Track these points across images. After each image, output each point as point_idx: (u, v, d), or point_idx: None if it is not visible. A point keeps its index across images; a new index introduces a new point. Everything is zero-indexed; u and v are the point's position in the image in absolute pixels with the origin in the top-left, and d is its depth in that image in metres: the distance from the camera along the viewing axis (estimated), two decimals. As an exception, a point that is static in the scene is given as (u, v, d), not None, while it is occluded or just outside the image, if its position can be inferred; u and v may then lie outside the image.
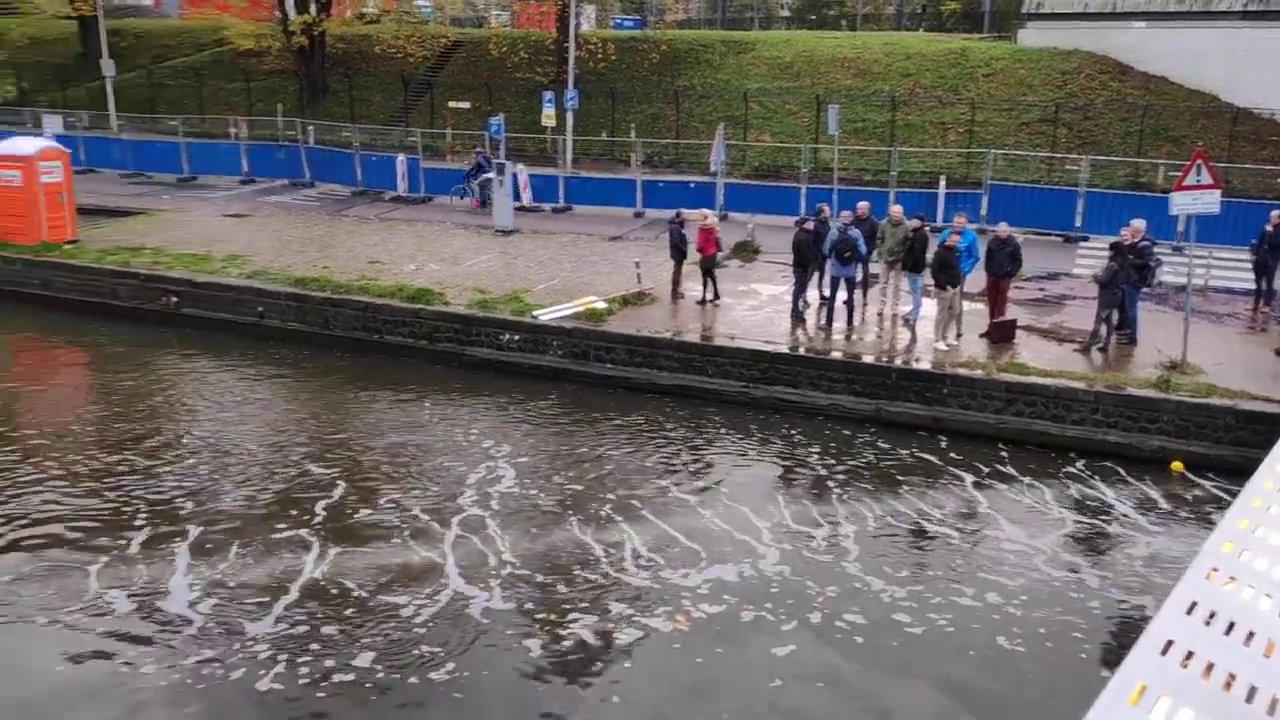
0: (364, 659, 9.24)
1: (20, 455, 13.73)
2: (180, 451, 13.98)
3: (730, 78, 37.25)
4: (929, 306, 16.84)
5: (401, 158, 29.49)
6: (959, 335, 16.27)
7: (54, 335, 19.92)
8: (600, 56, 37.64)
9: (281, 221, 25.75)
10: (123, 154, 33.41)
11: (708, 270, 18.22)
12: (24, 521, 11.79)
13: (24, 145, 22.76)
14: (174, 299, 19.54)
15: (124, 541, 11.32)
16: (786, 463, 13.92)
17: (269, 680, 8.96)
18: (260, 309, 18.86)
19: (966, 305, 16.87)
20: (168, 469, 13.35)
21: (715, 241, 18.24)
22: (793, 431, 14.83)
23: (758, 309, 18.05)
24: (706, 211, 19.07)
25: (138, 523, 11.79)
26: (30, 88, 45.03)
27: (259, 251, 21.60)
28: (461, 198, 28.61)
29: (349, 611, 10.01)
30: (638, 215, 26.74)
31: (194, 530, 11.61)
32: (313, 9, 39.04)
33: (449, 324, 17.64)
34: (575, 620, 9.96)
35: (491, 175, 26.25)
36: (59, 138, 29.17)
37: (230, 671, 9.05)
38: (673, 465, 13.72)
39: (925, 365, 15.20)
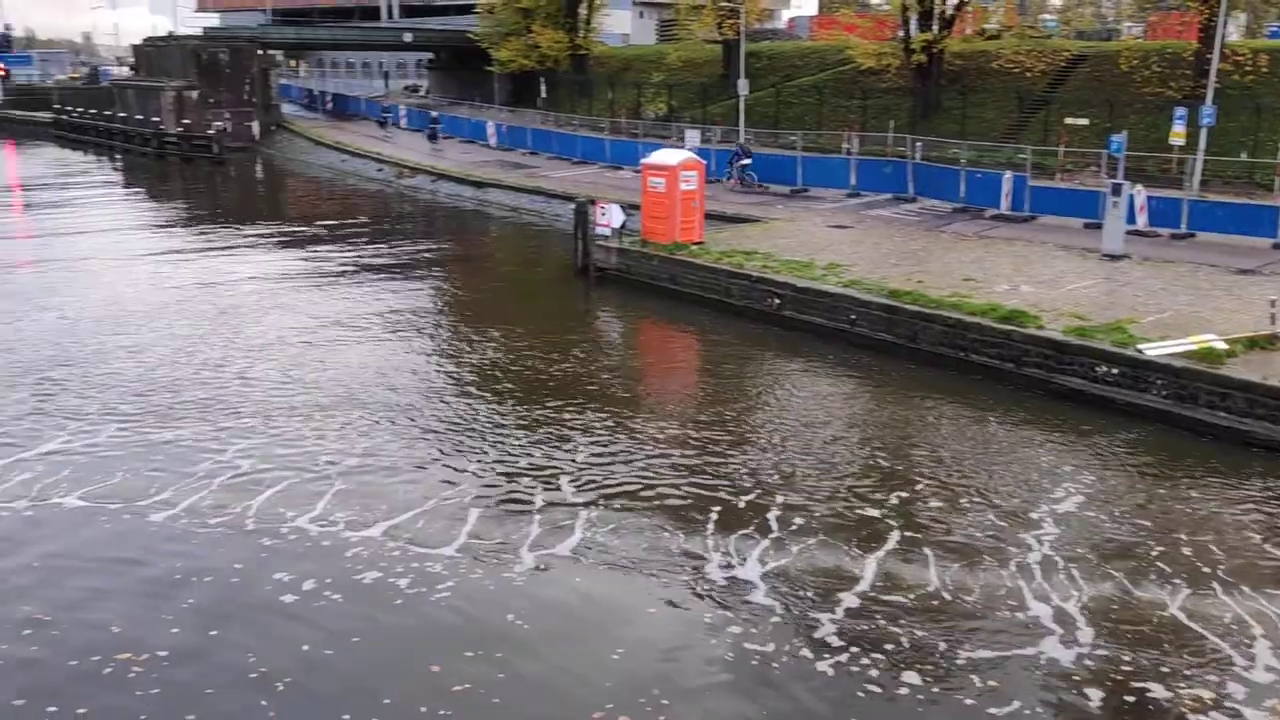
0: (912, 676, 9.29)
1: (633, 419, 15.78)
2: (767, 436, 15.12)
3: None
4: None
5: (1008, 175, 28.83)
6: None
7: (675, 323, 22.59)
8: (1249, 68, 33.47)
9: (880, 235, 26.53)
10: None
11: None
12: (627, 480, 13.54)
13: (669, 156, 25.94)
14: (777, 301, 21.09)
15: (711, 511, 12.53)
16: None
17: (827, 664, 9.41)
18: (853, 316, 19.66)
19: None
20: (756, 449, 14.51)
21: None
22: None
23: None
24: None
25: (724, 495, 12.97)
26: (678, 105, 51.09)
27: (856, 262, 22.49)
28: (727, 179, 34.54)
29: (905, 618, 10.13)
30: (1278, 247, 23.43)
31: (775, 510, 12.50)
32: (935, 27, 39.59)
33: (1040, 349, 16.95)
34: (1147, 684, 9.11)
35: (747, 161, 34.51)
36: (696, 150, 32.83)
37: (797, 648, 9.65)
38: (1291, 537, 11.92)
39: None
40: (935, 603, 10.48)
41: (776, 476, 13.67)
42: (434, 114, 54.71)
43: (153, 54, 62.78)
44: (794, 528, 12.10)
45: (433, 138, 52.17)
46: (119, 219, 38.18)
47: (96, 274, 26.96)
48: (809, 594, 10.65)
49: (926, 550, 11.56)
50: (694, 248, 24.37)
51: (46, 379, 17.40)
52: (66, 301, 23.35)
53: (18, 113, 77.33)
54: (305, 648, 9.70)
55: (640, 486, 13.35)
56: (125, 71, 77.81)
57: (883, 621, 10.11)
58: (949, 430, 15.51)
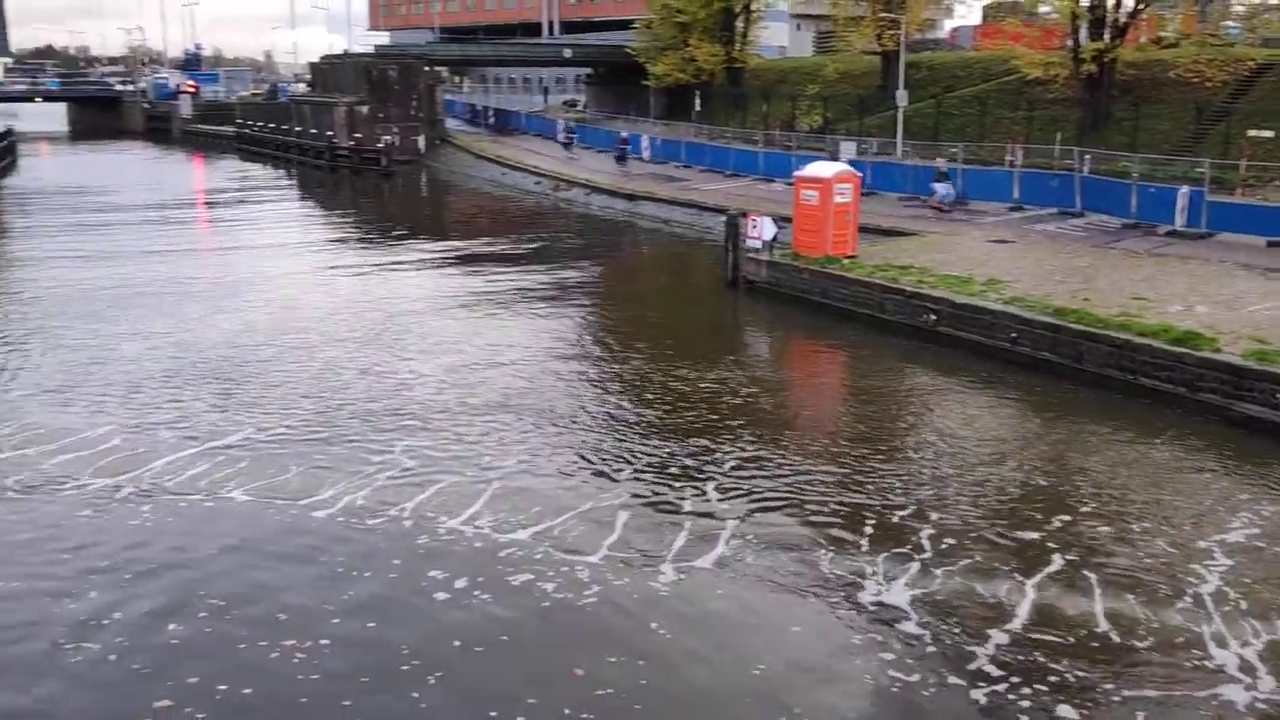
0: (1068, 710, 8.88)
1: (781, 434, 15.66)
2: (920, 454, 14.79)
3: None
4: None
5: (1184, 190, 27.39)
6: None
7: (825, 338, 22.31)
8: None
9: (1044, 250, 25.60)
10: (903, 178, 35.96)
11: None
12: (774, 494, 13.43)
13: (823, 169, 25.70)
14: (932, 317, 20.58)
15: (859, 530, 12.31)
16: None
17: (980, 693, 9.12)
18: (1013, 335, 19.01)
19: None
20: (908, 468, 14.21)
21: None
22: None
23: None
24: None
25: (874, 513, 12.72)
26: (833, 117, 50.53)
27: (1018, 278, 21.75)
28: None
29: (1064, 651, 9.72)
30: None
31: (927, 531, 12.19)
32: (1107, 36, 38.01)
33: (1216, 373, 16.02)
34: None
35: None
36: (851, 162, 32.41)
37: (945, 677, 9.39)
38: None
39: None
40: (1097, 636, 10.02)
41: (930, 496, 13.34)
42: (623, 135, 52.07)
43: (328, 71, 66.05)
44: (947, 551, 11.78)
45: (621, 159, 49.06)
46: (292, 229, 40.35)
47: (272, 280, 28.48)
48: (961, 621, 10.34)
49: (1088, 577, 11.08)
50: (846, 261, 24.04)
51: (225, 379, 18.47)
52: (245, 305, 24.76)
53: (205, 127, 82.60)
54: (456, 644, 9.99)
55: (787, 502, 13.24)
56: (302, 88, 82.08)
57: (1039, 654, 9.72)
58: (1114, 455, 14.81)
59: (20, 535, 12.35)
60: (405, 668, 9.59)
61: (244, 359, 19.77)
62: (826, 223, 24.39)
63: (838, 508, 13.03)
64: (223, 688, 9.30)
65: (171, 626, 10.31)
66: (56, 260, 31.69)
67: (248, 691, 9.26)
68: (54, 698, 9.27)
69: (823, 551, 11.81)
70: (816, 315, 23.30)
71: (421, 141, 60.23)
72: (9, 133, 70.44)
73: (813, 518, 12.76)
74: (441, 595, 10.92)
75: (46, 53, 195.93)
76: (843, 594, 10.88)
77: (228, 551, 11.94)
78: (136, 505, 13.13)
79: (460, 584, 11.10)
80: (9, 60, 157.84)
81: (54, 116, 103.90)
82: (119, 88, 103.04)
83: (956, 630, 10.15)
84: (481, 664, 9.72)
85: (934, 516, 12.70)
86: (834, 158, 35.17)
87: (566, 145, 56.07)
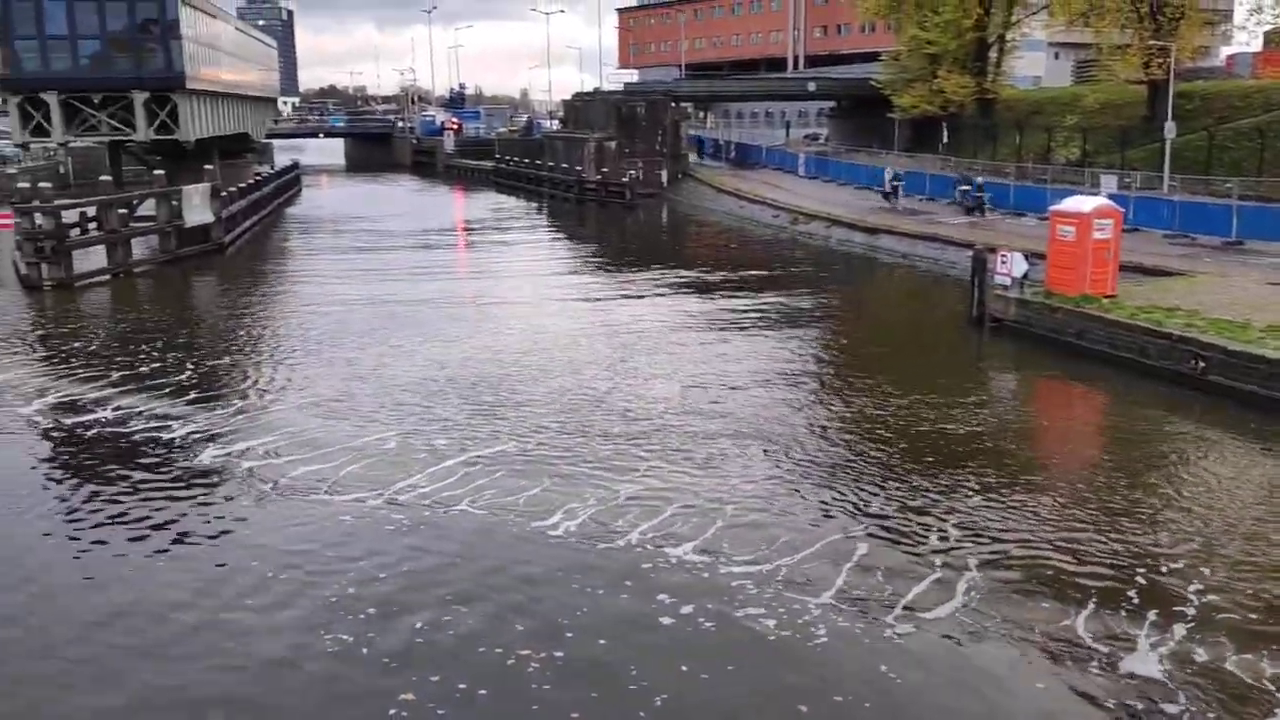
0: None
1: (1029, 481, 14.87)
2: (1183, 511, 13.67)
3: None
4: None
5: None
6: None
7: (1079, 382, 21.11)
8: None
9: (1337, 294, 23.21)
10: (1170, 214, 33.58)
11: None
12: (1017, 545, 12.74)
13: (1082, 203, 24.34)
14: (1201, 364, 19.04)
15: (1113, 590, 11.50)
16: None
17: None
18: (1296, 386, 17.33)
19: None
20: (1169, 525, 13.18)
21: None
22: None
23: None
24: None
25: (1130, 574, 11.84)
26: (1092, 149, 47.90)
27: (1304, 324, 19.82)
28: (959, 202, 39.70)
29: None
30: None
31: (1190, 596, 11.24)
32: None
33: None
34: None
35: (968, 188, 41.09)
36: (1112, 196, 30.56)
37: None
38: None
39: None
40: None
41: (1197, 555, 12.30)
42: (977, 181, 42.81)
43: (579, 108, 68.87)
44: (1216, 618, 10.82)
45: (977, 209, 41.21)
46: (541, 259, 42.22)
47: (524, 306, 29.86)
48: (1229, 701, 9.43)
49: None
50: (1105, 301, 22.65)
51: (480, 399, 19.42)
52: (499, 329, 26.05)
53: (466, 161, 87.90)
54: (683, 668, 10.05)
55: (1033, 552, 12.55)
56: (555, 124, 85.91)
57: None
58: None
59: (284, 533, 13.40)
60: (633, 687, 9.73)
61: (497, 380, 20.71)
62: (1084, 260, 23.08)
63: (1090, 561, 12.22)
64: (461, 686, 9.75)
65: (417, 625, 10.91)
66: (333, 283, 34.50)
67: (483, 693, 9.67)
68: (312, 680, 10.01)
69: (1071, 608, 11.10)
70: (1069, 357, 22.05)
71: (664, 175, 61.61)
72: (295, 165, 77.54)
73: (1062, 570, 12.02)
74: (667, 620, 11.01)
75: (329, 92, 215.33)
76: (1091, 658, 10.16)
77: (471, 561, 12.52)
78: (389, 512, 13.98)
79: (686, 610, 11.16)
80: (296, 100, 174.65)
81: (333, 151, 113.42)
82: (397, 124, 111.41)
83: (1222, 711, 9.27)
84: (706, 692, 9.73)
85: (1204, 573, 11.73)
86: (962, 180, 41.40)
87: (888, 195, 46.29)
